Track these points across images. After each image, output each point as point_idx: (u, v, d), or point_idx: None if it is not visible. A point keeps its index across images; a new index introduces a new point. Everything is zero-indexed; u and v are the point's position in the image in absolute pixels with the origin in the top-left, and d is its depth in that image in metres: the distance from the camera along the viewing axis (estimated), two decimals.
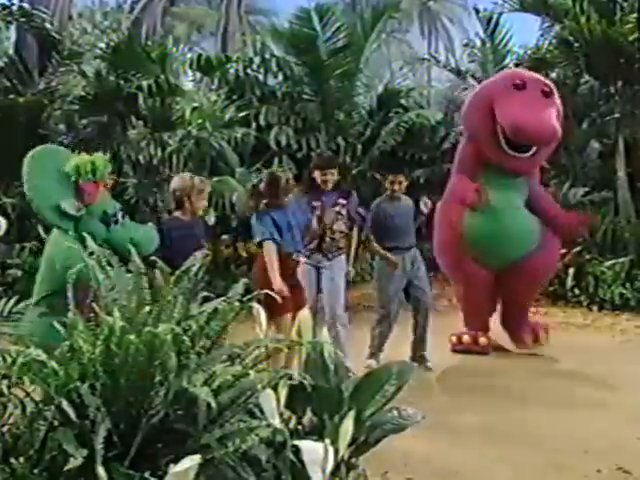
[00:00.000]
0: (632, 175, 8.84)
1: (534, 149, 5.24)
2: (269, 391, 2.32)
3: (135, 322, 2.25)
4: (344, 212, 4.95)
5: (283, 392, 2.54)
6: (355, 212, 5.07)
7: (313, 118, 9.05)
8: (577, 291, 7.51)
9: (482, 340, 5.63)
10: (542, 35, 9.74)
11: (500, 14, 9.98)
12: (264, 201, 4.42)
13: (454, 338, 5.73)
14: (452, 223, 5.46)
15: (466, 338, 5.67)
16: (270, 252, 4.31)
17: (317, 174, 4.89)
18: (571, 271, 7.63)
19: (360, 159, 9.49)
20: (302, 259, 4.62)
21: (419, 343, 5.28)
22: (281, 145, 8.71)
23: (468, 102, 5.70)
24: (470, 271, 5.55)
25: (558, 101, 5.38)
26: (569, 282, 7.57)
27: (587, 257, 7.87)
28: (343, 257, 4.98)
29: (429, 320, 5.25)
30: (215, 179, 7.88)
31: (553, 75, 9.58)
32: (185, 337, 2.17)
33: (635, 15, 8.12)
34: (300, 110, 9.03)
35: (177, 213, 4.27)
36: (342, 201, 4.94)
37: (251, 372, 2.27)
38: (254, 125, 8.70)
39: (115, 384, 2.14)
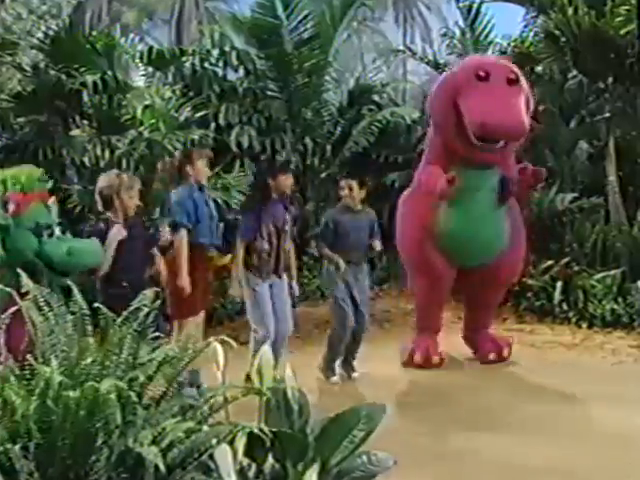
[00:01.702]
0: (624, 179, 9.01)
1: (501, 142, 5.38)
2: (224, 446, 2.32)
3: (76, 374, 2.23)
4: (288, 228, 5.23)
5: (241, 442, 2.53)
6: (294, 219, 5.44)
7: (278, 117, 9.06)
8: (565, 306, 7.59)
9: (435, 359, 5.89)
10: (526, 26, 9.87)
11: (481, 2, 10.12)
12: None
13: (405, 354, 5.97)
14: (421, 216, 5.64)
15: (417, 358, 5.89)
16: (182, 240, 4.51)
17: (281, 179, 5.10)
18: (559, 284, 7.71)
19: (329, 161, 9.53)
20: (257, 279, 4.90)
21: (349, 355, 5.65)
22: (243, 147, 8.70)
23: (433, 93, 5.83)
24: (437, 269, 5.77)
25: (525, 87, 5.49)
26: (557, 297, 7.65)
27: (576, 269, 7.96)
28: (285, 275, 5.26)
29: (359, 344, 5.65)
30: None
31: (539, 69, 9.76)
32: (131, 392, 2.15)
33: (626, 7, 8.28)
34: (263, 108, 9.03)
35: (107, 215, 4.34)
36: (288, 217, 5.22)
37: (205, 427, 2.26)
38: (213, 125, 8.68)
39: (51, 445, 2.11)
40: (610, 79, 8.97)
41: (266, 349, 3.54)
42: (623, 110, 9.23)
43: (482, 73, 5.28)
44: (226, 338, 2.53)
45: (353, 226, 5.46)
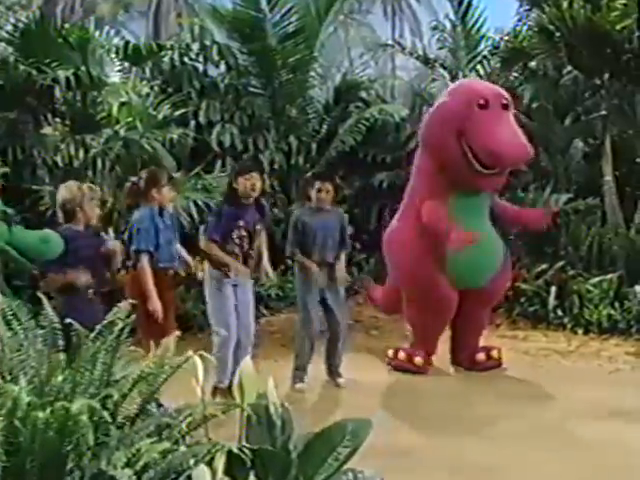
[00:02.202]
0: (621, 179, 9.08)
1: (499, 168, 5.69)
2: (203, 466, 2.31)
3: (46, 392, 2.21)
4: (262, 232, 5.35)
5: (221, 462, 2.53)
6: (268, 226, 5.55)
7: (261, 114, 9.06)
8: (560, 312, 7.65)
9: (418, 360, 6.01)
10: (519, 20, 9.92)
11: None
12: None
13: (390, 352, 6.19)
14: (429, 249, 5.77)
15: (401, 355, 6.09)
16: (145, 266, 4.63)
17: (241, 180, 5.12)
18: (553, 289, 7.77)
19: (315, 160, 9.52)
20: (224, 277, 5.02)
21: (333, 360, 5.77)
22: (224, 146, 8.69)
23: (428, 123, 6.02)
24: (449, 299, 5.96)
25: (513, 111, 5.82)
26: (551, 302, 7.71)
27: (571, 273, 8.01)
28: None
29: (342, 340, 5.72)
30: None
31: (532, 65, 9.82)
32: (105, 411, 2.14)
33: (623, 1, 8.33)
34: (246, 105, 9.02)
35: (68, 225, 4.45)
36: (259, 217, 5.28)
37: (182, 447, 2.25)
38: (193, 123, 8.66)
39: (19, 468, 2.09)
40: (606, 75, 9.01)
41: (248, 361, 3.55)
42: (620, 107, 9.29)
43: (482, 102, 5.57)
44: (205, 354, 2.52)
45: (322, 226, 5.55)
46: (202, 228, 5.26)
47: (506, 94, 5.83)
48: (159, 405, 4.10)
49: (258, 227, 5.32)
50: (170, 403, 4.31)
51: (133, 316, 2.60)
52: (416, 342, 6.20)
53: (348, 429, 3.00)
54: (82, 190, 4.38)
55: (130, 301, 3.22)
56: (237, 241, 5.16)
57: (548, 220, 6.38)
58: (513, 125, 5.60)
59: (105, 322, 2.55)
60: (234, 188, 5.16)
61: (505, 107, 5.63)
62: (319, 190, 5.50)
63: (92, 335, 2.50)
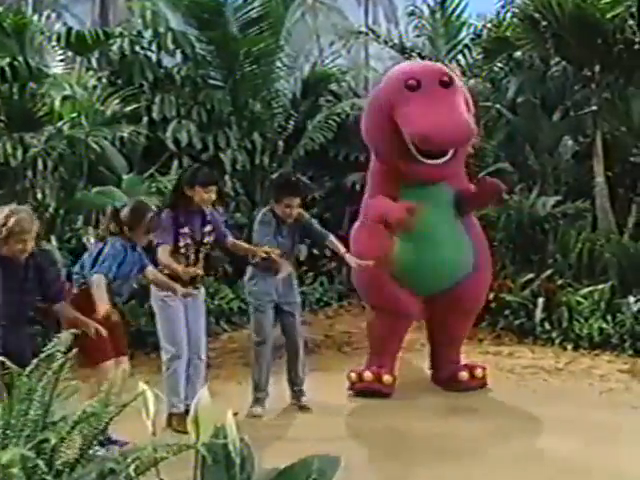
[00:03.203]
0: (613, 180, 9.20)
1: (449, 154, 5.56)
2: None
3: None
4: (212, 239, 5.35)
5: None
6: (222, 233, 5.49)
7: (221, 109, 9.05)
8: (548, 326, 7.69)
9: (387, 378, 5.92)
10: (503, 6, 10.02)
11: None
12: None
13: (353, 375, 6.02)
14: (375, 249, 5.74)
15: (368, 375, 5.94)
16: (101, 286, 4.62)
17: (199, 190, 5.17)
18: (540, 301, 7.81)
19: (281, 160, 9.53)
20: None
21: (294, 379, 5.77)
22: (181, 144, 8.66)
23: (365, 113, 6.01)
24: (401, 304, 5.89)
25: (461, 86, 5.70)
26: (538, 314, 7.74)
27: (559, 283, 8.06)
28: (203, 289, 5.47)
29: (300, 357, 5.76)
30: (95, 190, 7.75)
31: (517, 55, 9.92)
32: (40, 460, 2.10)
33: None
34: (205, 99, 9.00)
35: None
36: (209, 227, 5.30)
37: None
38: (145, 119, 8.61)
39: None
40: (597, 67, 9.13)
41: (204, 392, 3.52)
42: (612, 102, 9.41)
43: (412, 82, 5.48)
44: (156, 392, 2.49)
45: (283, 234, 5.63)
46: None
47: (449, 72, 5.67)
48: (109, 441, 4.09)
49: (208, 238, 5.31)
50: (123, 437, 4.33)
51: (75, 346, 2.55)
52: (372, 357, 6.12)
53: (314, 467, 2.98)
54: (10, 222, 4.26)
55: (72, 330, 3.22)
56: (182, 250, 5.18)
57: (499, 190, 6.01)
58: (448, 102, 5.37)
59: (43, 355, 2.51)
60: (188, 196, 5.17)
61: (444, 84, 5.47)
62: (288, 206, 5.48)
63: (27, 370, 2.46)
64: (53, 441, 2.23)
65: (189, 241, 5.22)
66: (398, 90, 5.54)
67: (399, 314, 5.97)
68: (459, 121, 5.31)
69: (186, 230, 5.21)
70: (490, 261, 6.31)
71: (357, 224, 6.24)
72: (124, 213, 4.89)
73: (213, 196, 5.25)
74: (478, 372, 6.24)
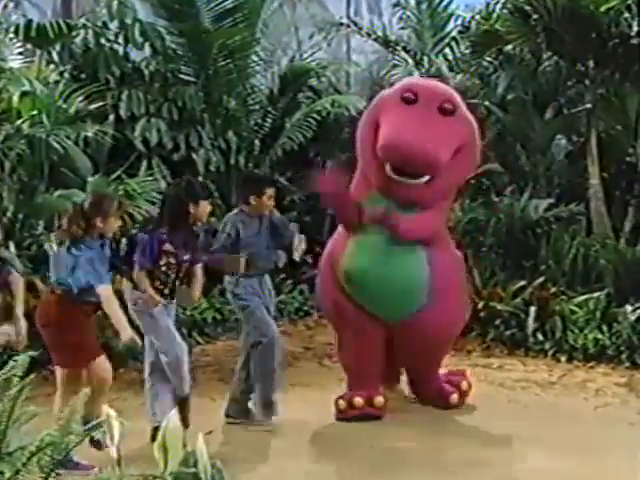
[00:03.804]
0: (608, 182, 9.25)
1: (427, 177, 5.50)
2: None
3: None
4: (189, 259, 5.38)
5: None
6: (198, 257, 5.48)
7: (193, 106, 9.02)
8: (540, 336, 7.72)
9: (378, 400, 5.87)
10: None
11: None
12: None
13: (342, 403, 5.90)
14: (332, 254, 5.87)
15: (358, 400, 5.84)
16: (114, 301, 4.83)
17: (203, 204, 5.28)
18: (532, 310, 7.84)
19: (258, 160, 9.51)
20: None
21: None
22: (150, 144, 8.62)
23: (362, 119, 5.97)
24: (353, 319, 5.84)
25: (466, 122, 5.69)
26: (530, 324, 7.77)
27: (552, 291, 8.09)
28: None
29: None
30: (57, 193, 7.68)
31: (508, 49, 9.96)
32: None
33: None
34: (175, 96, 8.97)
35: None
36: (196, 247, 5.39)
37: None
38: (112, 117, 8.54)
39: None
40: (591, 63, 9.19)
41: (173, 415, 3.50)
42: (607, 99, 9.47)
43: (409, 95, 5.49)
44: (122, 421, 2.45)
45: (256, 230, 5.76)
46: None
47: (456, 100, 5.66)
48: (72, 463, 4.06)
49: (187, 257, 5.31)
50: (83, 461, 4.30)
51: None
52: (350, 375, 6.07)
53: None
54: None
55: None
56: (163, 269, 5.20)
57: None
58: (432, 126, 5.40)
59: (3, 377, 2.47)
60: (189, 213, 5.22)
61: (443, 111, 5.49)
62: (271, 197, 5.72)
63: None
64: (7, 474, 2.19)
65: (172, 260, 5.23)
66: (392, 99, 5.59)
67: (354, 330, 5.85)
68: (422, 143, 5.29)
69: (169, 248, 5.21)
70: (457, 290, 6.03)
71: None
72: (89, 207, 4.88)
73: (209, 209, 5.40)
74: (464, 385, 6.23)
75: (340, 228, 6.04)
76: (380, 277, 5.62)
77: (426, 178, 5.50)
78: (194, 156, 8.81)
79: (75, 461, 4.23)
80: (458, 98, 5.75)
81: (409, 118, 5.40)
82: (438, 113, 5.48)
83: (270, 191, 5.71)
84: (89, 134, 7.94)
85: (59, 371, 4.95)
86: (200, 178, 8.86)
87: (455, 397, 6.12)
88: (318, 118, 9.39)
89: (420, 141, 5.30)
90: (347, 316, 5.87)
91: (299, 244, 5.96)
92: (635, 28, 8.86)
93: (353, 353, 5.97)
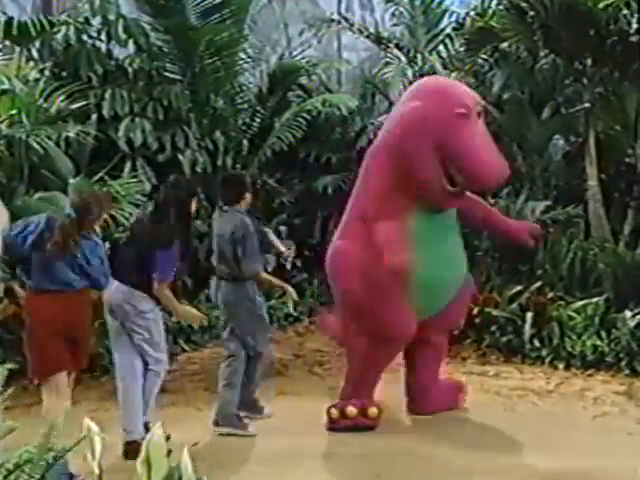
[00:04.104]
0: (607, 184, 9.28)
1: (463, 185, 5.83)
2: None
3: None
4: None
5: None
6: None
7: (179, 106, 8.99)
8: (537, 343, 7.73)
9: (372, 411, 5.91)
10: None
11: None
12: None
13: (335, 412, 5.92)
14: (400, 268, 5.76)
15: (351, 410, 5.87)
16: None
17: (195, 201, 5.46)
18: (529, 316, 7.85)
19: (246, 161, 9.51)
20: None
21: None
22: (134, 145, 8.59)
23: (403, 125, 5.90)
24: (405, 324, 5.90)
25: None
26: (527, 331, 7.78)
27: (550, 296, 8.10)
28: None
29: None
30: (37, 195, 7.64)
31: (504, 46, 9.98)
32: None
33: None
34: (161, 95, 8.95)
35: None
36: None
37: None
38: (94, 117, 8.49)
39: None
40: (589, 61, 9.22)
41: (156, 428, 3.48)
42: (605, 98, 9.50)
43: (464, 111, 5.67)
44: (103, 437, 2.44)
45: (219, 232, 5.88)
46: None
47: (480, 100, 5.98)
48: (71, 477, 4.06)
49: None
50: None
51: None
52: (351, 388, 6.05)
53: None
54: None
55: None
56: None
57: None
58: (489, 138, 5.81)
59: None
60: (190, 211, 5.42)
61: (480, 115, 5.79)
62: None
63: None
64: None
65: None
66: (450, 117, 5.66)
67: (399, 339, 5.97)
68: (502, 162, 5.76)
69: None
70: (471, 284, 6.58)
71: (341, 244, 6.10)
72: (80, 216, 4.93)
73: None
74: (461, 398, 6.36)
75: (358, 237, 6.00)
76: (445, 275, 5.97)
77: (460, 187, 5.81)
78: (180, 157, 8.79)
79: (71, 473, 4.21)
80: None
81: (479, 136, 5.69)
82: (479, 119, 5.77)
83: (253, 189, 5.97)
84: (70, 134, 7.87)
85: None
86: None
87: (445, 403, 6.27)
88: (308, 118, 9.38)
89: (502, 164, 5.76)
90: (400, 324, 5.89)
91: (288, 250, 6.00)
92: (634, 25, 8.89)
93: (375, 360, 6.01)
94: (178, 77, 9.14)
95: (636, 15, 8.89)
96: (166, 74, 9.14)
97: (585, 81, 9.44)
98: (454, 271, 6.09)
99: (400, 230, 5.73)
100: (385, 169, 5.89)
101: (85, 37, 9.05)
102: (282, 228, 10.31)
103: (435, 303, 6.03)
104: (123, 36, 8.98)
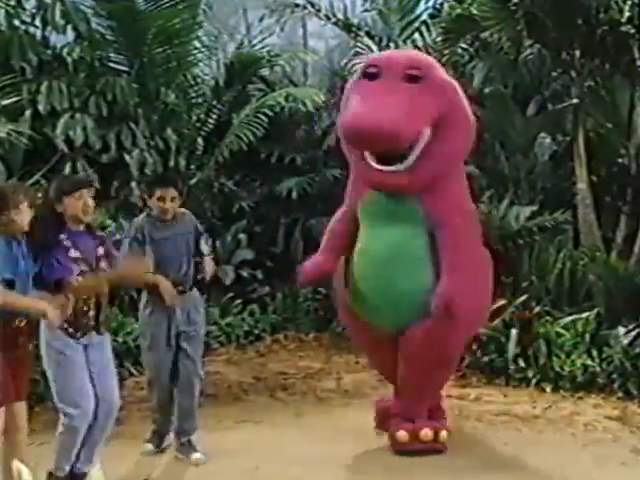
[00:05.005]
0: (598, 186, 9.34)
1: (410, 159, 5.50)
2: None
3: None
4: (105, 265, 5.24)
5: None
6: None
7: (126, 100, 8.92)
8: (522, 363, 7.72)
9: (443, 435, 5.92)
10: None
11: None
12: None
13: (402, 434, 5.89)
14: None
15: (426, 433, 5.87)
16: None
17: (68, 202, 5.02)
18: (514, 332, 7.84)
19: (202, 161, 9.48)
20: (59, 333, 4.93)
21: (182, 427, 5.83)
22: (75, 144, 8.50)
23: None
24: (368, 335, 5.93)
25: (442, 88, 5.66)
26: (511, 349, 7.76)
27: (536, 311, 8.12)
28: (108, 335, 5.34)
29: (195, 400, 5.88)
30: None
31: (485, 35, 10.01)
32: None
33: None
34: (104, 88, 8.86)
35: None
36: (101, 251, 5.17)
37: None
38: (29, 113, 8.40)
39: None
40: (577, 52, 9.28)
41: (96, 472, 3.45)
42: (596, 93, 9.57)
43: (372, 70, 5.55)
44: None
45: (169, 239, 5.78)
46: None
47: (424, 62, 5.74)
48: None
49: (99, 260, 5.16)
50: None
51: None
52: (400, 398, 6.14)
53: None
54: None
55: None
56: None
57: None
58: (392, 95, 5.39)
59: None
60: (56, 212, 5.01)
61: (411, 78, 5.47)
62: (162, 199, 5.73)
63: None
64: None
65: (85, 268, 5.04)
66: (356, 79, 5.67)
67: (362, 341, 6.16)
68: (376, 115, 5.25)
69: (76, 254, 5.03)
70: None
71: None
72: None
73: (90, 202, 5.08)
74: (442, 435, 6.03)
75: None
76: (390, 283, 5.73)
77: (407, 162, 5.48)
78: (127, 157, 8.71)
79: None
80: (430, 62, 5.82)
81: (369, 93, 5.44)
82: (404, 82, 5.46)
83: (160, 191, 5.73)
84: (1, 134, 7.78)
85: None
86: (133, 183, 8.81)
87: (428, 433, 5.96)
88: (270, 114, 9.35)
89: (372, 112, 5.28)
90: (362, 333, 6.02)
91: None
92: (627, 13, 8.94)
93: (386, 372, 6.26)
94: (124, 68, 9.08)
95: (628, 2, 8.96)
96: (110, 65, 9.07)
97: (573, 74, 9.49)
98: (402, 273, 5.72)
99: (332, 229, 5.92)
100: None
101: (17, 22, 8.95)
102: (242, 236, 10.25)
103: (378, 316, 5.82)
104: (61, 21, 8.91)
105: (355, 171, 5.86)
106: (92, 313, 5.04)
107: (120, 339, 7.83)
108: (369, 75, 5.55)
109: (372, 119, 5.22)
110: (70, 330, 4.93)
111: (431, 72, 5.62)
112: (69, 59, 9.00)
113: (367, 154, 5.53)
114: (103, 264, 5.15)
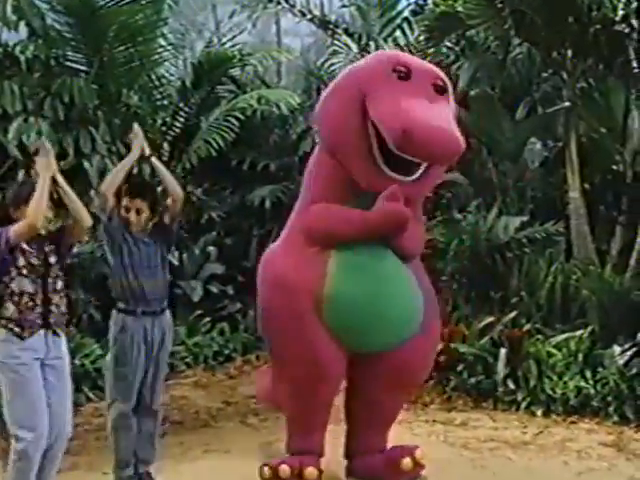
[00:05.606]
0: (591, 195, 9.35)
1: (422, 169, 5.50)
2: None
3: None
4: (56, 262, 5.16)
5: None
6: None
7: (84, 102, 8.84)
8: (512, 385, 7.72)
9: (310, 472, 5.72)
10: None
11: None
12: None
13: (267, 470, 5.82)
14: (305, 277, 5.69)
15: (285, 469, 5.73)
16: None
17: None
18: (503, 352, 7.84)
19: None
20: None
21: (140, 455, 5.68)
22: (28, 150, 8.38)
23: (326, 95, 5.90)
24: (323, 356, 5.72)
25: (453, 103, 5.76)
26: (500, 370, 7.77)
27: (526, 329, 8.12)
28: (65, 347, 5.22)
29: (157, 426, 5.78)
30: None
31: (471, 34, 10.04)
32: None
33: None
34: (61, 89, 8.75)
35: None
36: (51, 248, 5.11)
37: None
38: None
39: None
40: (569, 52, 9.32)
41: None
42: (588, 95, 9.61)
43: (403, 68, 5.49)
44: None
45: (141, 255, 5.65)
46: None
47: (444, 77, 5.76)
48: None
49: (49, 255, 5.11)
50: None
51: None
52: (293, 438, 5.95)
53: None
54: None
55: None
56: (27, 272, 4.97)
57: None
58: (443, 108, 5.48)
59: None
60: (10, 218, 4.99)
61: (438, 90, 5.57)
62: (127, 209, 5.65)
63: None
64: None
65: (35, 261, 4.98)
66: (381, 73, 5.51)
67: (318, 369, 5.73)
68: (453, 131, 5.32)
69: (25, 246, 4.97)
70: (439, 320, 6.14)
71: (277, 243, 6.06)
72: None
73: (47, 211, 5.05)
74: (418, 454, 5.97)
75: (290, 247, 5.89)
76: (376, 297, 5.60)
77: (417, 174, 5.50)
78: (86, 164, 8.62)
79: None
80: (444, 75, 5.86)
81: (419, 99, 5.36)
82: (434, 91, 5.52)
83: (126, 200, 5.65)
84: None
85: None
86: (93, 191, 8.73)
87: (408, 462, 5.94)
88: (241, 117, 9.38)
89: (448, 129, 5.30)
90: (313, 351, 5.68)
91: None
92: (621, 12, 8.98)
93: (306, 401, 5.82)
94: (82, 68, 9.00)
95: (622, 0, 9.00)
96: (67, 64, 8.99)
97: (565, 75, 9.55)
98: (393, 293, 5.73)
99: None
100: (320, 154, 5.87)
101: None
102: (211, 249, 10.21)
103: (365, 332, 5.73)
104: (13, 17, 8.83)
105: (350, 170, 5.63)
106: (39, 309, 4.96)
107: (77, 362, 7.73)
108: (399, 73, 5.47)
109: (456, 136, 5.31)
110: (16, 330, 4.87)
111: (449, 86, 5.73)
112: (22, 58, 8.87)
113: (380, 160, 5.46)
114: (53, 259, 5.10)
